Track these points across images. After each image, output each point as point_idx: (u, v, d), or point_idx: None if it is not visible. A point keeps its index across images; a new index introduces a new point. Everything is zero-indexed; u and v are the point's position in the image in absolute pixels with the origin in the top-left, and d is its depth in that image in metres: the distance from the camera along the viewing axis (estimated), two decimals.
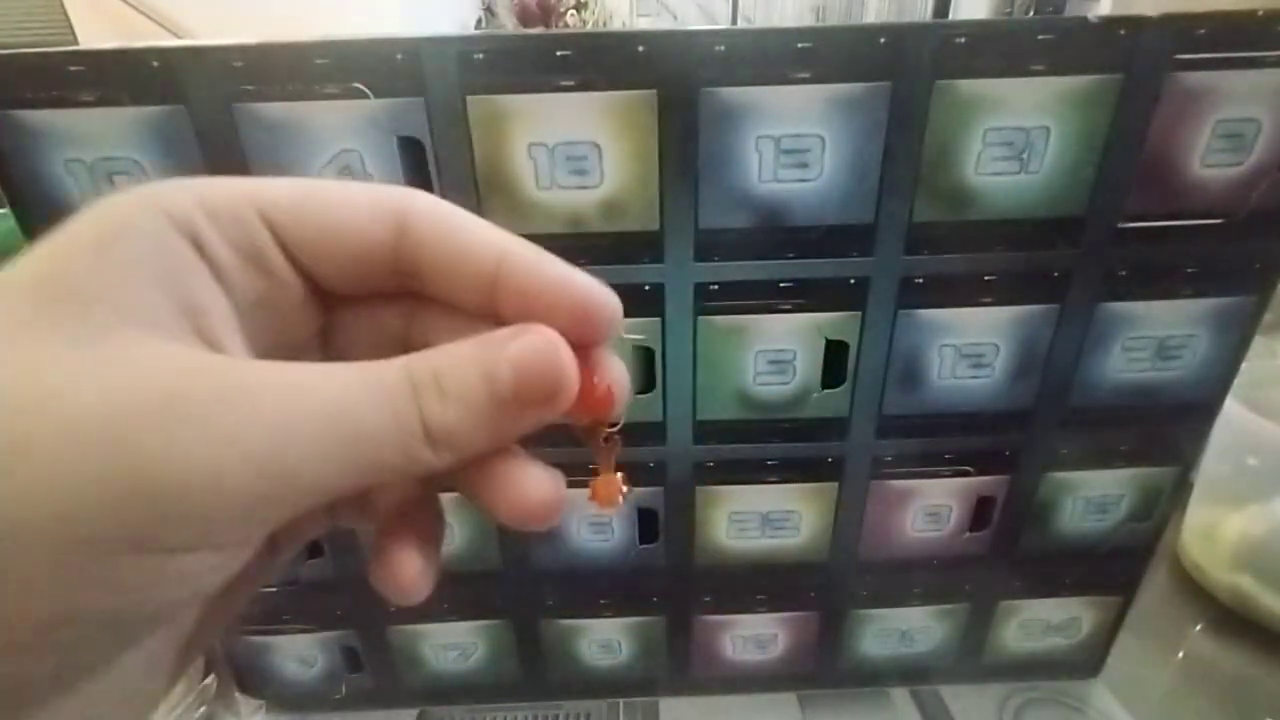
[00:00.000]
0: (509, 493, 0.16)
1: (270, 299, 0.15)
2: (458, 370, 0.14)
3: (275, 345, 0.15)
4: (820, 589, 0.39)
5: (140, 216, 0.13)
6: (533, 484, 0.16)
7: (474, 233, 0.15)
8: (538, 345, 0.14)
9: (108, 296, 0.12)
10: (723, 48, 0.27)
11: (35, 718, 0.12)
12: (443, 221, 0.15)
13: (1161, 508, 0.37)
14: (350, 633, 0.40)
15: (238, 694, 0.42)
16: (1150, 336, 0.32)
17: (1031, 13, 1.55)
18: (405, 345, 0.17)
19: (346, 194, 0.15)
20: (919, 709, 0.42)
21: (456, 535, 0.37)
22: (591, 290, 0.15)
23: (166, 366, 0.12)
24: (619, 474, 0.19)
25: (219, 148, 0.28)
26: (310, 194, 0.15)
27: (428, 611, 0.40)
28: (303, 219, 0.15)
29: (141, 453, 0.11)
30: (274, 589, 0.38)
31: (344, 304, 0.17)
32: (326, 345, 0.17)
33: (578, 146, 0.28)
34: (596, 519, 0.37)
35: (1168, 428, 0.35)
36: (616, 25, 2.16)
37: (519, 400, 0.14)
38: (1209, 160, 0.29)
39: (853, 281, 0.31)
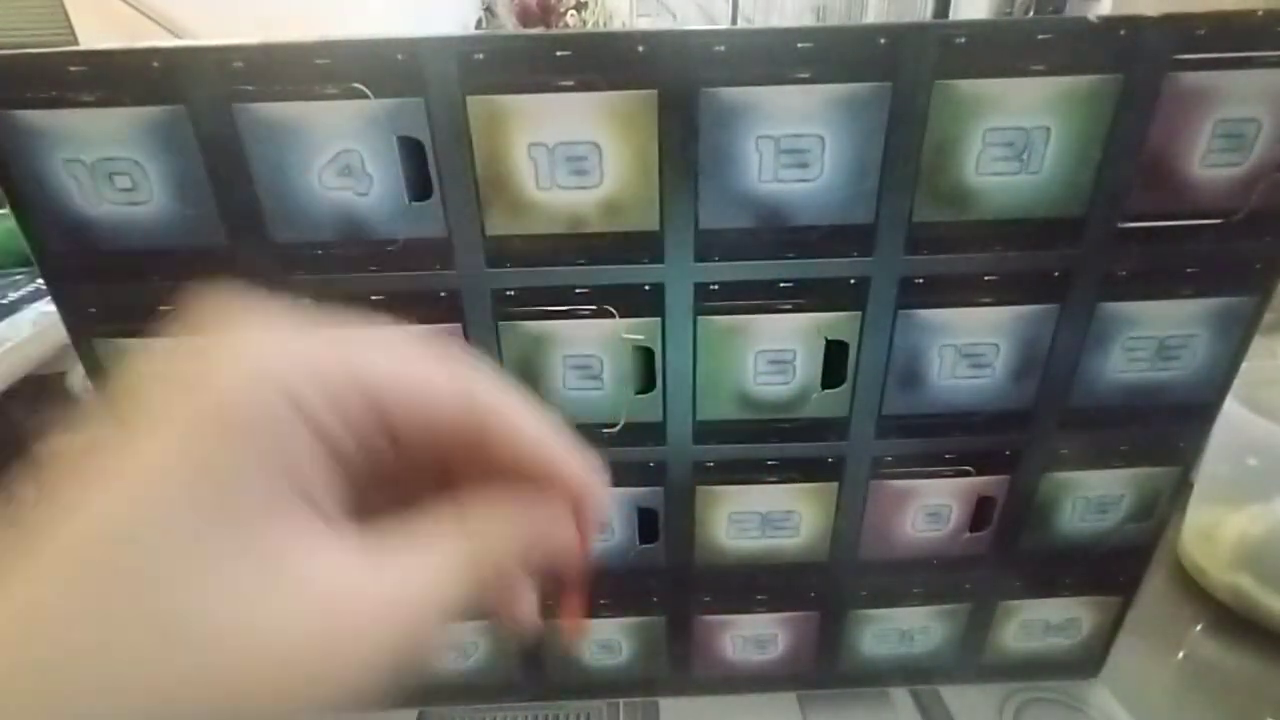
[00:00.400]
0: None
1: (359, 459, 0.16)
2: (505, 549, 0.18)
3: (353, 489, 0.17)
4: (820, 589, 0.39)
5: (265, 404, 0.13)
6: None
7: (525, 418, 0.18)
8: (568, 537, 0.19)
9: (252, 499, 0.13)
10: (723, 48, 0.27)
11: None
12: (503, 402, 0.18)
13: (1161, 508, 0.37)
14: None
15: None
16: (1150, 336, 0.32)
17: (1031, 13, 1.55)
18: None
19: (428, 368, 0.17)
20: (919, 709, 0.42)
21: None
22: (597, 490, 0.20)
23: (314, 591, 0.13)
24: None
25: (219, 148, 0.28)
26: (403, 368, 0.16)
27: None
28: (397, 394, 0.16)
29: (300, 669, 0.13)
30: None
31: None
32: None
33: (578, 146, 0.28)
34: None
35: (1168, 428, 0.35)
36: (616, 25, 2.16)
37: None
38: (1209, 160, 0.29)
39: (853, 281, 0.31)
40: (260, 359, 0.14)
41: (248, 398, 0.13)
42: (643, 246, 0.30)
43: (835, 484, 0.36)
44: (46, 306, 0.51)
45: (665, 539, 0.37)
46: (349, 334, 0.16)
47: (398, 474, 0.17)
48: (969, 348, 0.32)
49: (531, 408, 0.18)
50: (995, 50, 0.27)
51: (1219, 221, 0.30)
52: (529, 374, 0.33)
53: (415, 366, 0.16)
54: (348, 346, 0.15)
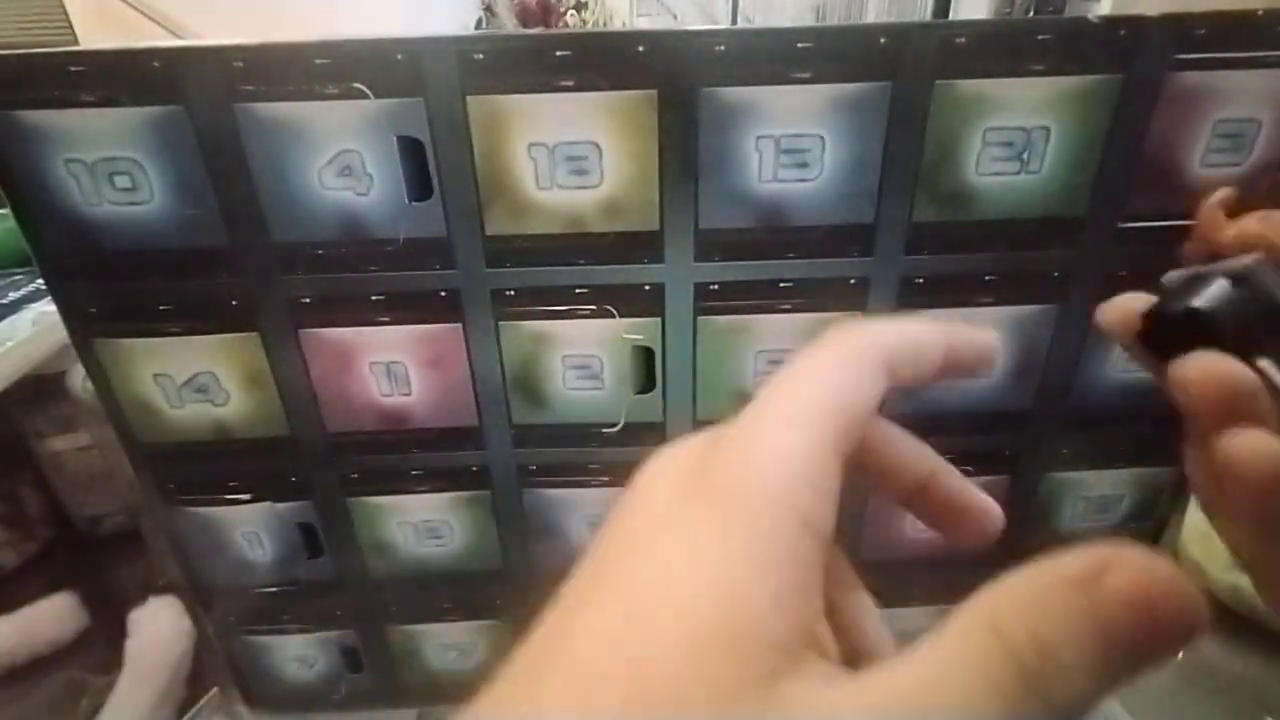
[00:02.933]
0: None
1: None
2: (1062, 631, 0.12)
3: None
4: None
5: (785, 538, 0.13)
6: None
7: (911, 441, 0.18)
8: (1159, 579, 0.12)
9: (771, 648, 0.12)
10: (723, 48, 0.27)
11: None
12: (886, 430, 0.18)
13: (1161, 508, 0.37)
14: (350, 633, 0.40)
15: (241, 706, 0.42)
16: None
17: (1031, 13, 1.55)
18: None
19: (868, 375, 0.16)
20: None
21: (456, 535, 0.37)
22: (994, 507, 0.19)
23: None
24: None
25: (219, 148, 0.28)
26: (852, 398, 0.15)
27: (428, 611, 0.40)
28: (855, 432, 0.15)
29: None
30: (274, 589, 0.38)
31: None
32: None
33: (578, 146, 0.28)
34: (596, 519, 0.37)
35: (1168, 428, 0.35)
36: (616, 25, 2.16)
37: (1141, 650, 0.12)
38: (1209, 160, 0.29)
39: (853, 281, 0.31)
40: (791, 487, 0.13)
41: (780, 553, 0.13)
42: (643, 246, 0.30)
43: None
44: (46, 306, 0.51)
45: None
46: (805, 391, 0.15)
47: None
48: None
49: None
50: (995, 50, 0.27)
51: None
52: (529, 374, 0.33)
53: (852, 391, 0.15)
54: (814, 411, 0.14)
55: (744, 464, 0.13)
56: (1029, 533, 0.38)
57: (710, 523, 0.13)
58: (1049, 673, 0.12)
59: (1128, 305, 0.18)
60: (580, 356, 0.32)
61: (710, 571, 0.12)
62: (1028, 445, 0.35)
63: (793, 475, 0.13)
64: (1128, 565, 0.12)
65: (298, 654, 0.41)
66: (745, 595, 0.12)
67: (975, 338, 0.18)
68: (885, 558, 0.38)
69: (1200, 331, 0.16)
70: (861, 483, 0.18)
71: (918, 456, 0.18)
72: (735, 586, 0.12)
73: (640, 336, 0.32)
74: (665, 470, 0.15)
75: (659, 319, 0.31)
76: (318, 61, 0.26)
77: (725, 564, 0.12)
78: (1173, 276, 0.18)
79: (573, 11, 1.99)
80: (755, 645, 0.12)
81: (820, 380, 0.15)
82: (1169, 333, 0.17)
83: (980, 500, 0.19)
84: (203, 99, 0.27)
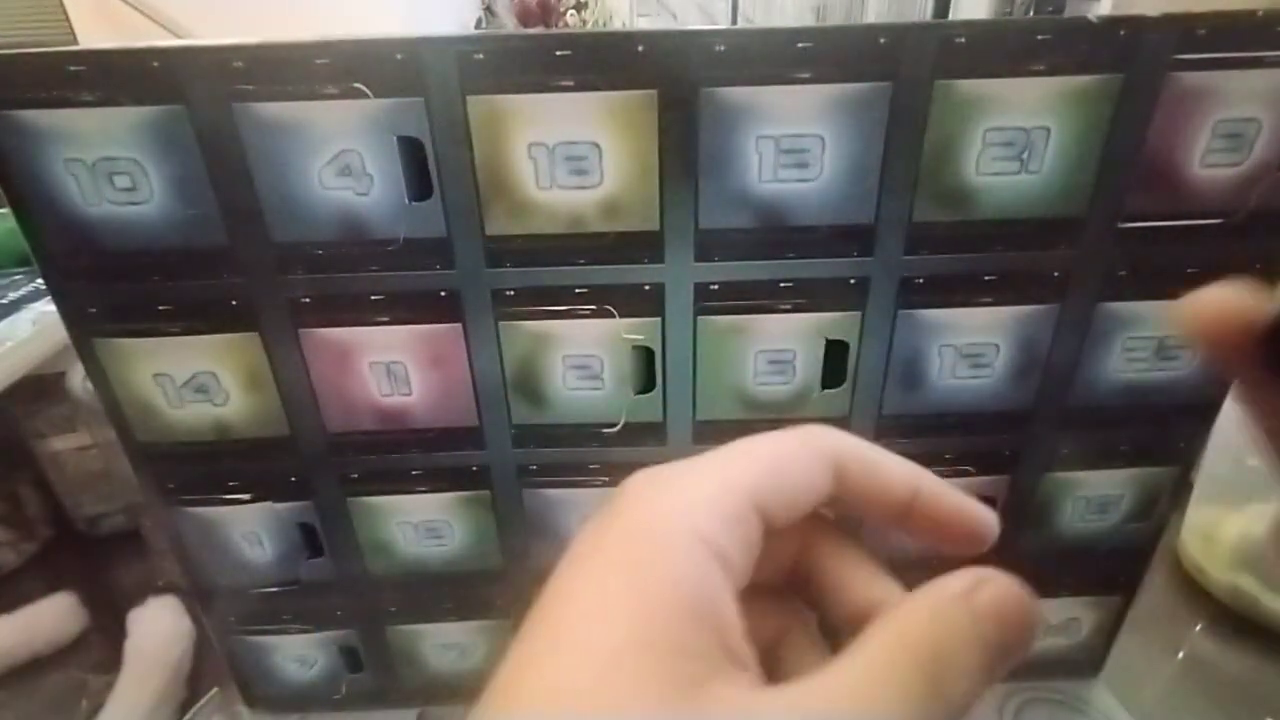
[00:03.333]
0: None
1: (747, 575, 0.16)
2: (955, 646, 0.14)
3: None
4: None
5: (697, 567, 0.14)
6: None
7: (892, 467, 0.18)
8: (1013, 596, 0.15)
9: (695, 668, 0.13)
10: (723, 48, 0.27)
11: None
12: (865, 460, 0.17)
13: (1161, 508, 0.37)
14: (350, 633, 0.40)
15: (241, 706, 0.42)
16: (1150, 336, 0.32)
17: (1031, 13, 1.55)
18: (797, 564, 0.19)
19: (797, 456, 0.17)
20: None
21: (456, 535, 0.37)
22: (984, 513, 0.18)
23: None
24: None
25: (219, 148, 0.28)
26: (778, 467, 0.16)
27: (428, 611, 0.40)
28: (780, 496, 0.16)
29: None
30: (274, 589, 0.38)
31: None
32: None
33: (578, 146, 0.28)
34: None
35: (1168, 428, 0.35)
36: (616, 25, 2.16)
37: (1005, 653, 0.15)
38: (1209, 160, 0.29)
39: (853, 281, 0.31)
40: (683, 510, 0.15)
41: (684, 569, 0.14)
42: (643, 246, 0.30)
43: None
44: (46, 306, 0.51)
45: None
46: (728, 455, 0.16)
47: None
48: (969, 348, 0.32)
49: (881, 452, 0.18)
50: (995, 50, 0.27)
51: (1219, 221, 0.30)
52: (529, 374, 0.33)
53: (786, 458, 0.17)
54: (734, 468, 0.16)
55: (659, 498, 0.15)
56: (1029, 533, 0.38)
57: (626, 548, 0.14)
58: (948, 677, 0.14)
59: (1226, 305, 0.16)
60: (580, 356, 0.32)
61: (627, 589, 0.14)
62: (1028, 445, 0.35)
63: (700, 511, 0.15)
64: (992, 583, 0.15)
65: (298, 654, 0.41)
66: (661, 608, 0.13)
67: (962, 505, 0.18)
68: (885, 558, 0.38)
69: None
70: (851, 517, 0.18)
71: (901, 479, 0.18)
72: (650, 601, 0.13)
73: (640, 336, 0.32)
74: (602, 507, 0.16)
75: (659, 319, 0.31)
76: (318, 61, 0.26)
77: (641, 582, 0.14)
78: None
79: (573, 11, 1.99)
80: (674, 653, 0.13)
81: (758, 450, 0.17)
82: None
83: (969, 511, 0.18)
84: (203, 99, 0.27)
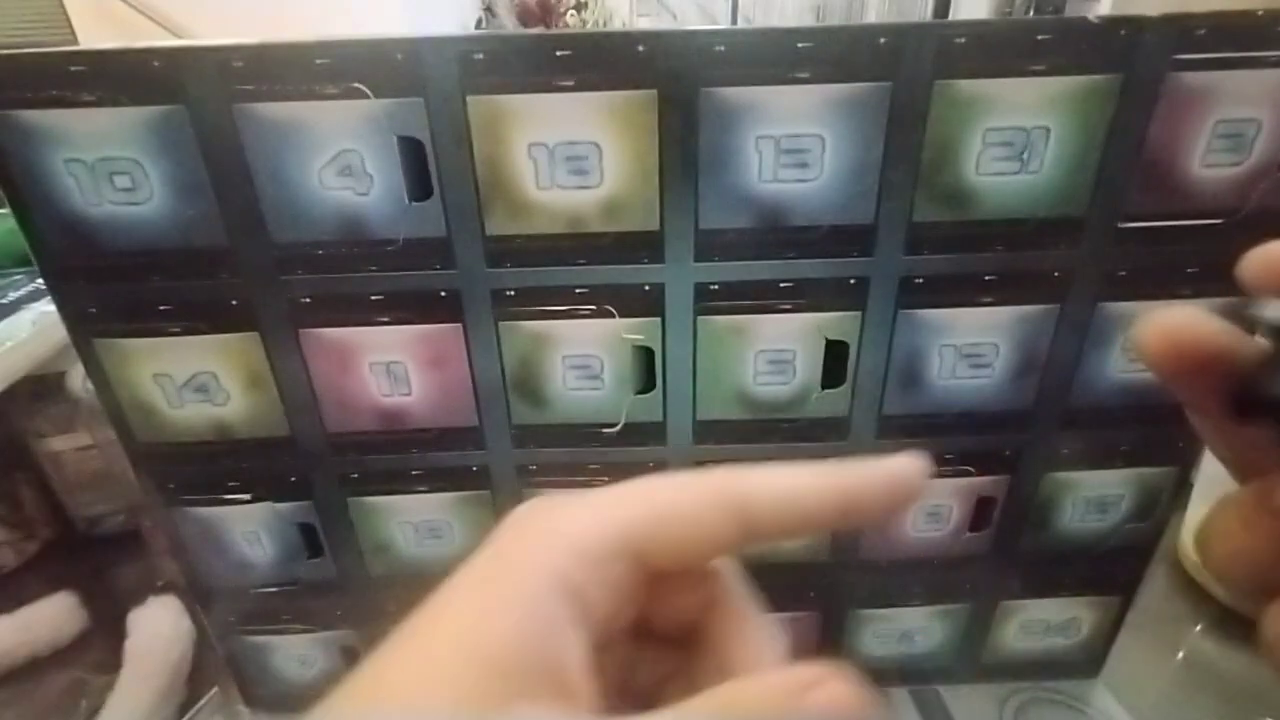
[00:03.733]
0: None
1: (616, 615, 0.16)
2: None
3: (602, 636, 0.16)
4: (820, 589, 0.39)
5: (535, 590, 0.15)
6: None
7: (808, 497, 0.17)
8: (850, 705, 0.15)
9: (506, 676, 0.14)
10: (723, 48, 0.27)
11: None
12: (778, 500, 0.16)
13: (1161, 508, 0.37)
14: (350, 633, 0.40)
15: (241, 706, 0.42)
16: None
17: (1031, 13, 1.55)
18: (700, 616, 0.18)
19: (691, 503, 0.16)
20: (919, 709, 0.42)
21: (456, 535, 0.37)
22: (902, 465, 0.17)
23: None
24: None
25: (219, 148, 0.28)
26: (665, 513, 0.16)
27: None
28: (662, 541, 0.16)
29: None
30: (274, 589, 0.38)
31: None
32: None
33: (578, 146, 0.28)
34: None
35: (1168, 428, 0.35)
36: (616, 25, 2.16)
37: None
38: (1209, 160, 0.29)
39: (853, 281, 0.31)
40: (540, 542, 0.15)
41: (528, 600, 0.14)
42: (643, 246, 0.30)
43: None
44: (46, 306, 0.51)
45: None
46: (619, 494, 0.16)
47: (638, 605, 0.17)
48: (969, 348, 0.32)
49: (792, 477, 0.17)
50: (995, 50, 0.27)
51: (1219, 221, 0.30)
52: (529, 374, 0.33)
53: (683, 505, 0.16)
54: (618, 510, 0.16)
55: (531, 531, 0.16)
56: (1029, 533, 0.38)
57: (486, 571, 0.15)
58: None
59: (1187, 335, 0.15)
60: (580, 356, 0.32)
61: (471, 608, 0.15)
62: (1028, 445, 0.35)
63: (561, 548, 0.15)
64: (832, 686, 0.14)
65: (298, 654, 0.41)
66: (494, 629, 0.14)
67: (882, 476, 0.17)
68: (885, 558, 0.38)
69: None
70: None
71: (820, 504, 0.17)
72: (488, 621, 0.14)
73: (640, 336, 0.32)
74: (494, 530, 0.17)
75: (659, 319, 0.31)
76: (318, 61, 0.26)
77: (485, 604, 0.15)
78: (1270, 314, 0.14)
79: (573, 11, 1.99)
80: (492, 670, 0.14)
81: (649, 493, 0.16)
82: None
83: (892, 475, 0.17)
84: (203, 99, 0.27)
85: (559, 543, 0.15)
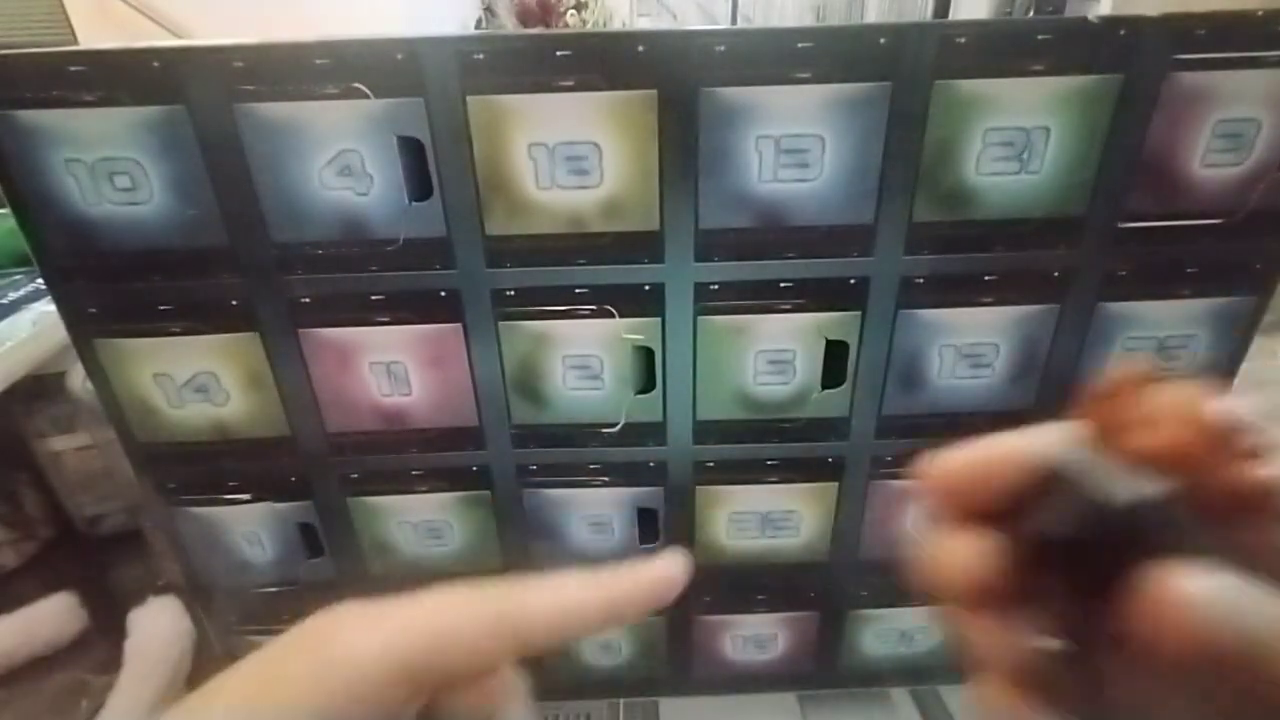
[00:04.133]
0: None
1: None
2: None
3: None
4: (820, 589, 0.39)
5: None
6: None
7: (582, 608, 0.19)
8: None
9: None
10: (723, 48, 0.27)
11: None
12: (551, 609, 0.19)
13: None
14: None
15: None
16: (1150, 336, 0.32)
17: (1031, 13, 1.55)
18: None
19: (476, 631, 0.18)
20: (919, 709, 0.42)
21: (456, 535, 0.37)
22: (662, 570, 0.19)
23: None
24: None
25: (219, 148, 0.28)
26: (449, 642, 0.18)
27: None
28: (442, 666, 0.17)
29: None
30: (274, 589, 0.38)
31: None
32: None
33: (578, 146, 0.28)
34: (596, 519, 0.37)
35: None
36: (616, 25, 2.16)
37: None
38: (1209, 160, 0.29)
39: (853, 281, 0.31)
40: (316, 684, 0.18)
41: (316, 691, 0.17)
42: (643, 246, 0.30)
43: (835, 484, 0.36)
44: (46, 306, 0.51)
45: (665, 539, 0.37)
46: (400, 619, 0.18)
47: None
48: (969, 348, 0.32)
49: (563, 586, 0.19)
50: (995, 50, 0.27)
51: (1219, 221, 0.30)
52: (529, 374, 0.33)
53: (464, 636, 0.18)
54: (397, 637, 0.17)
55: (312, 642, 0.19)
56: None
57: (264, 676, 0.19)
58: None
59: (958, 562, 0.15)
60: (580, 356, 0.32)
61: (265, 676, 0.19)
62: None
63: (340, 675, 0.17)
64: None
65: None
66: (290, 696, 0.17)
67: (645, 581, 0.19)
68: (885, 558, 0.38)
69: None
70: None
71: (596, 615, 0.19)
72: (284, 690, 0.18)
73: (640, 336, 0.32)
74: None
75: (659, 319, 0.31)
76: (318, 61, 0.26)
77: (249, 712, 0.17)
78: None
79: (573, 11, 1.99)
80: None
81: (427, 616, 0.18)
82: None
83: (650, 582, 0.19)
84: (203, 99, 0.27)
85: (336, 672, 0.17)
